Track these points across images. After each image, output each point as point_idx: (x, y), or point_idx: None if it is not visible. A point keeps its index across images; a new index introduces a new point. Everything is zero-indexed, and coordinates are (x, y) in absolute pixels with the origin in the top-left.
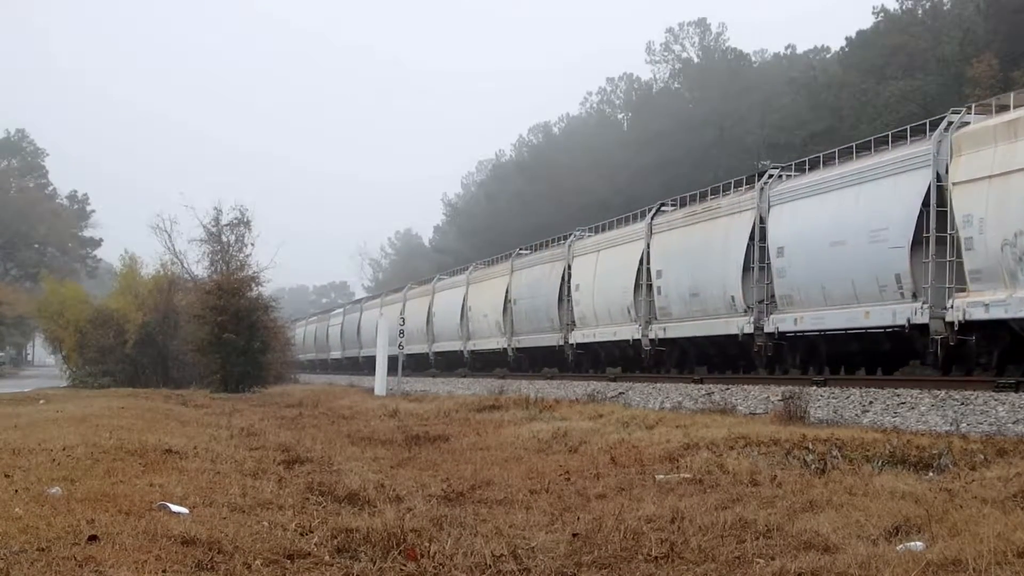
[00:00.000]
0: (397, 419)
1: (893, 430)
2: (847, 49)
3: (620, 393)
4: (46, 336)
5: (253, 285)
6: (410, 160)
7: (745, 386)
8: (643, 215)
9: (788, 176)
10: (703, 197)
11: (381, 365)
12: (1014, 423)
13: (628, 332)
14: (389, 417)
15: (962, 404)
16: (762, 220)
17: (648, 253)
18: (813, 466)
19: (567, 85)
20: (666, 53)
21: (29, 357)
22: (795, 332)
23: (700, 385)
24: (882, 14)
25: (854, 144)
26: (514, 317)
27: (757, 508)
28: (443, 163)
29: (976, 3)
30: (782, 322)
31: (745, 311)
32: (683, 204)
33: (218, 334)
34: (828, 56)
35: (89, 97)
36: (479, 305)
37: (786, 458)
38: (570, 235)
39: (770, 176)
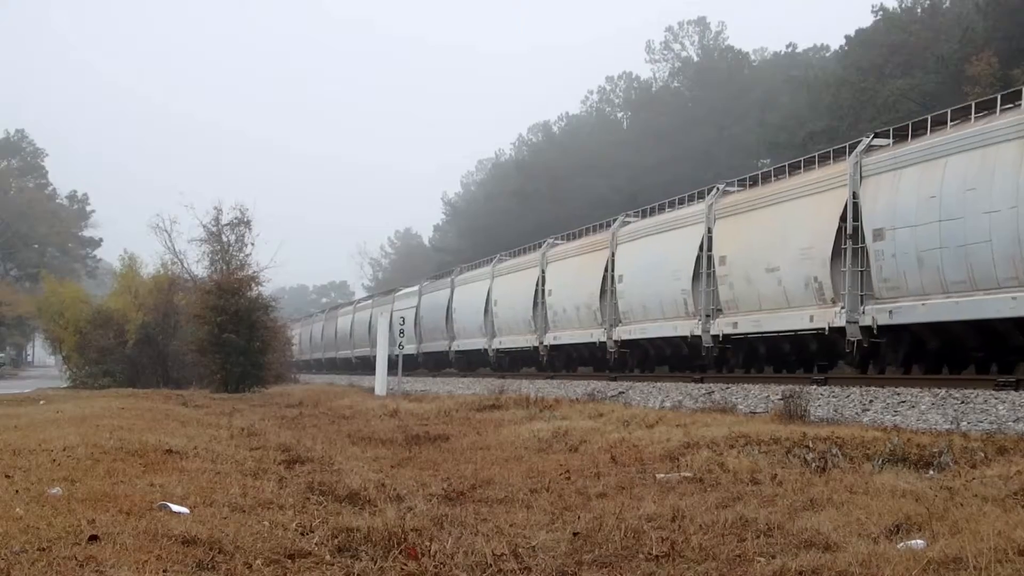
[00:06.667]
0: (397, 419)
1: (894, 428)
2: (846, 47)
3: (620, 392)
4: (46, 336)
5: (253, 285)
6: (410, 159)
7: (745, 385)
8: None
9: None
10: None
11: (381, 364)
12: (1014, 421)
13: (822, 318)
14: (389, 417)
15: (962, 402)
16: None
17: (854, 206)
18: (814, 464)
19: (566, 83)
20: (666, 52)
21: (29, 358)
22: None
23: (700, 384)
24: (881, 12)
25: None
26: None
27: (758, 507)
28: (442, 163)
29: (975, 1)
30: None
31: None
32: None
33: (218, 334)
34: (827, 55)
35: (89, 87)
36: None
37: (786, 456)
38: (714, 188)
39: None
